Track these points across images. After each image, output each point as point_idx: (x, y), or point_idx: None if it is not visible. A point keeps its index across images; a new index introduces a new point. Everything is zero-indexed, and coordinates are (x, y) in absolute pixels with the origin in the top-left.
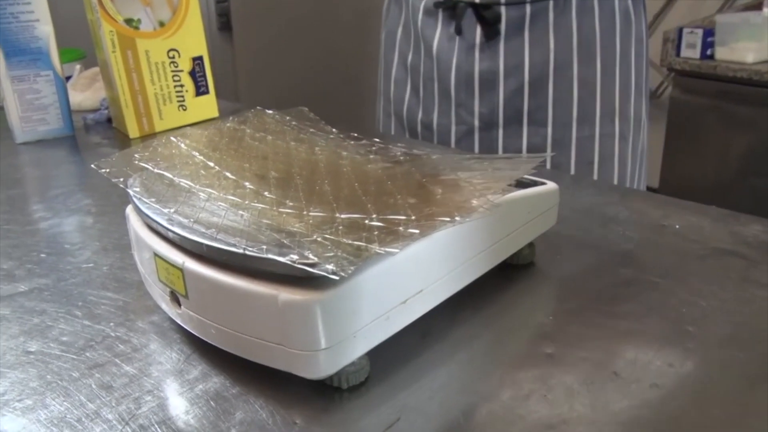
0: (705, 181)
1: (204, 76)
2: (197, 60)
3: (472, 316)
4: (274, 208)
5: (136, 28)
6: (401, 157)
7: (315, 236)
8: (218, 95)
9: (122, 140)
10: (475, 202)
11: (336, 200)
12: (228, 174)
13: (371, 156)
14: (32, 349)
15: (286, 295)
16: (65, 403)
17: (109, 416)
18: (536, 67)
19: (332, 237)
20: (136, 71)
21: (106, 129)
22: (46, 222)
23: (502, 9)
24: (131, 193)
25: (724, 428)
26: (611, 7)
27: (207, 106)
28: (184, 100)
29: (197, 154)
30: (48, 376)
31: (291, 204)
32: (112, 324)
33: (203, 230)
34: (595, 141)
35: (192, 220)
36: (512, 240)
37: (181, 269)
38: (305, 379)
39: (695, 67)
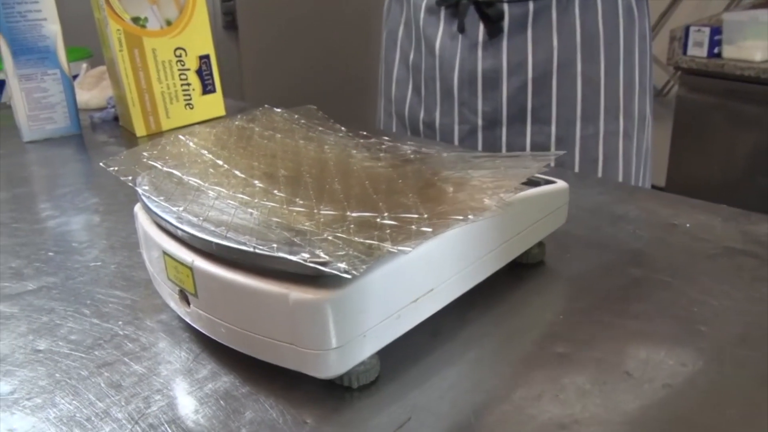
0: (712, 180)
1: (211, 74)
2: (204, 58)
3: (483, 315)
4: (284, 207)
5: (143, 26)
6: (411, 156)
7: (326, 235)
8: (224, 94)
9: (129, 139)
10: (487, 200)
11: (347, 199)
12: (237, 172)
13: (381, 154)
14: (41, 348)
15: (297, 294)
16: (74, 401)
17: (119, 415)
18: (539, 64)
19: (343, 235)
20: (143, 70)
21: (112, 127)
22: (53, 220)
23: (505, 6)
24: (140, 191)
25: (737, 428)
26: (614, 4)
27: (214, 104)
28: (190, 99)
29: (206, 152)
30: (57, 375)
31: (301, 202)
32: (120, 322)
33: (213, 228)
34: (599, 139)
35: (201, 218)
36: (522, 239)
37: (190, 268)
38: (315, 378)
39: (702, 65)
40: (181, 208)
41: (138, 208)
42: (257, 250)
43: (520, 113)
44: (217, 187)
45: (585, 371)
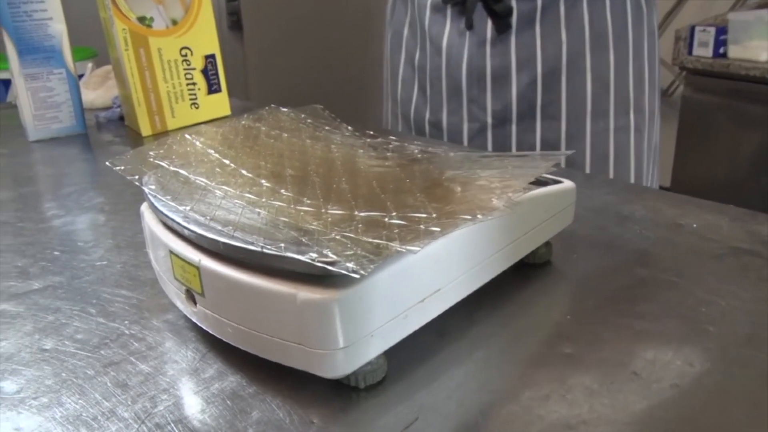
0: (717, 180)
1: (216, 74)
2: (209, 58)
3: (490, 315)
4: (292, 206)
5: (149, 26)
6: (418, 155)
7: (334, 234)
8: (229, 93)
9: (134, 138)
10: (495, 200)
11: (354, 198)
12: (244, 172)
13: (388, 154)
14: (47, 347)
15: (304, 293)
16: (81, 401)
17: (125, 414)
18: (549, 60)
19: (351, 235)
20: (148, 69)
21: (118, 127)
22: (59, 220)
23: (513, 2)
24: (146, 190)
25: (744, 428)
26: (622, 0)
27: (219, 104)
28: (196, 98)
29: (212, 151)
30: (63, 374)
31: (309, 202)
32: (126, 322)
33: (220, 228)
34: (609, 134)
35: (208, 217)
36: (530, 239)
37: (197, 267)
38: (322, 378)
39: (707, 65)
40: (188, 208)
41: (144, 208)
42: (265, 250)
43: (530, 110)
44: (224, 187)
45: (592, 371)
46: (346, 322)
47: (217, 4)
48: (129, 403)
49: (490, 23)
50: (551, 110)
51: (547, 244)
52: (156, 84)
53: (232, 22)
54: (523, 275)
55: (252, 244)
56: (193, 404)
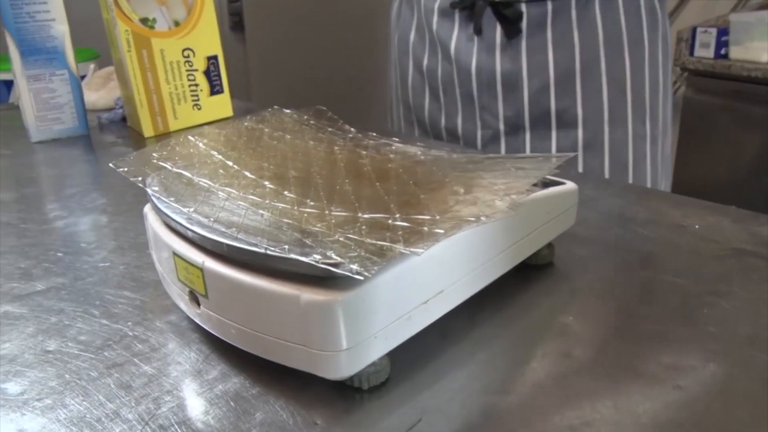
0: (719, 181)
1: (218, 75)
2: (212, 59)
3: (492, 316)
4: (295, 208)
5: (152, 27)
6: (422, 157)
7: (337, 236)
8: (231, 94)
9: (137, 139)
10: (499, 202)
11: (358, 200)
12: (247, 173)
13: (391, 155)
14: (51, 348)
15: (308, 295)
16: (84, 402)
17: (129, 416)
18: (561, 65)
19: (355, 237)
20: (151, 70)
21: (120, 128)
22: (61, 221)
23: (523, 6)
24: (150, 192)
25: (748, 429)
26: (636, 3)
27: (221, 105)
28: (198, 100)
29: (216, 153)
30: (67, 376)
31: (312, 203)
32: (129, 323)
33: (223, 229)
34: (628, 142)
35: (212, 219)
36: (532, 240)
37: (201, 269)
38: (325, 379)
39: (709, 66)
40: (191, 209)
41: (148, 209)
42: (269, 252)
43: (543, 117)
44: (227, 188)
45: (595, 372)
46: (350, 324)
47: (218, 4)
48: (133, 404)
49: (499, 28)
50: (566, 117)
51: (550, 245)
52: (158, 85)
53: (233, 23)
54: (525, 277)
55: (256, 245)
56: (196, 405)
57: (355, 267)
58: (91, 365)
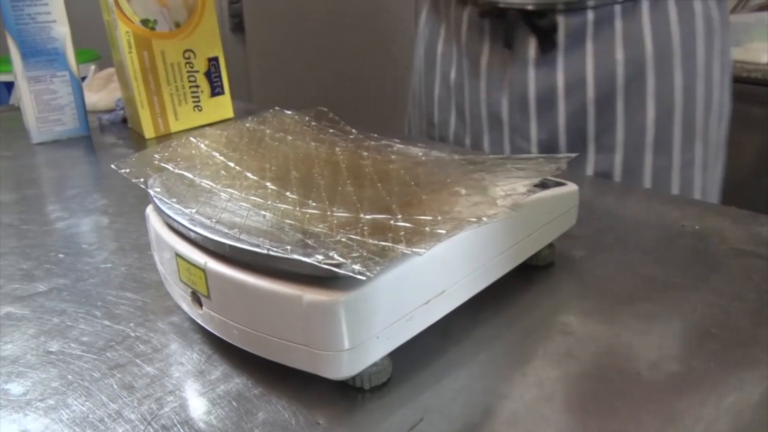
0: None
1: (219, 76)
2: (213, 61)
3: (493, 316)
4: (297, 209)
5: (153, 29)
6: (423, 158)
7: (339, 237)
8: (232, 96)
9: (138, 141)
10: (500, 202)
11: (359, 200)
12: (249, 174)
13: (393, 156)
14: (53, 349)
15: (310, 295)
16: (87, 403)
17: (132, 416)
18: (602, 82)
19: (357, 237)
20: (152, 72)
21: (121, 129)
22: (63, 222)
23: (560, 17)
24: (152, 193)
25: (748, 430)
26: (690, 12)
27: (222, 106)
28: (199, 101)
29: (217, 154)
30: (69, 376)
31: (314, 204)
32: (131, 324)
33: (226, 230)
34: (672, 171)
35: (214, 220)
36: (533, 240)
37: (203, 270)
38: (327, 379)
39: None
40: (193, 210)
41: (150, 210)
42: (271, 252)
43: (580, 140)
44: (229, 189)
45: (596, 372)
46: (352, 324)
47: (219, 6)
48: (135, 404)
49: (533, 41)
50: (605, 140)
51: (551, 245)
52: (159, 86)
53: (234, 24)
54: (526, 277)
55: (258, 246)
56: (199, 406)
57: (357, 267)
58: (94, 366)
